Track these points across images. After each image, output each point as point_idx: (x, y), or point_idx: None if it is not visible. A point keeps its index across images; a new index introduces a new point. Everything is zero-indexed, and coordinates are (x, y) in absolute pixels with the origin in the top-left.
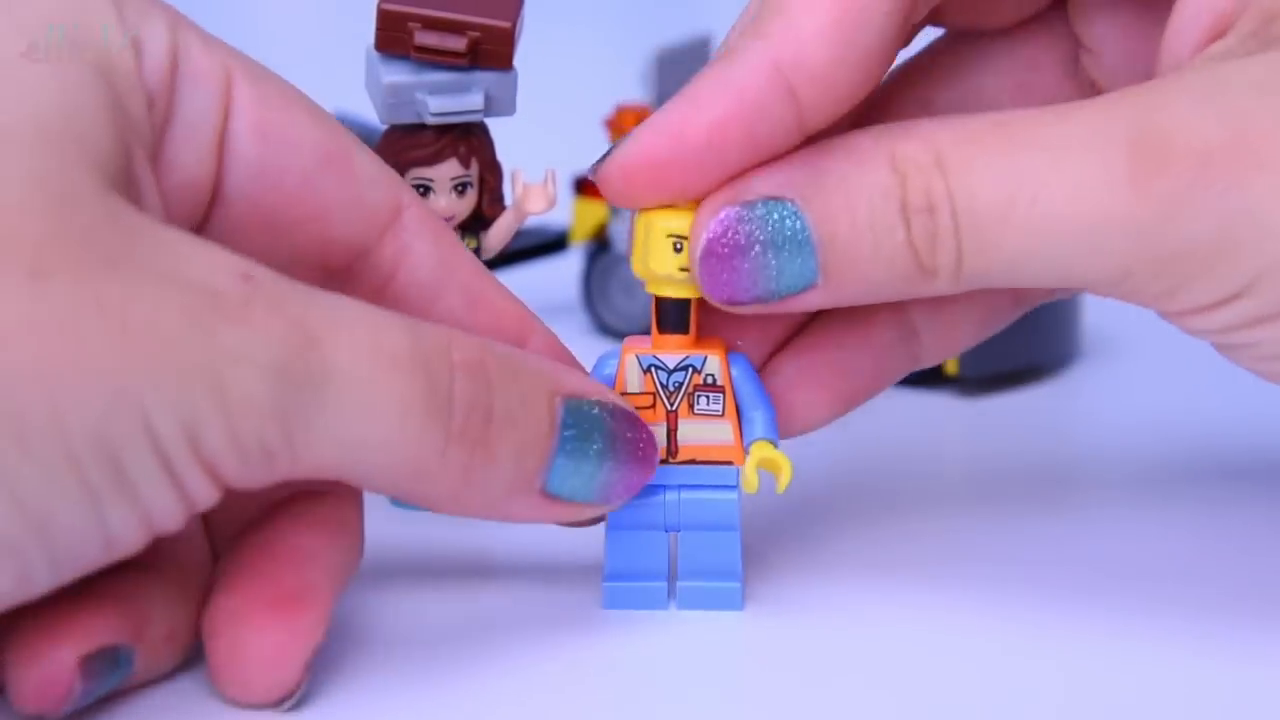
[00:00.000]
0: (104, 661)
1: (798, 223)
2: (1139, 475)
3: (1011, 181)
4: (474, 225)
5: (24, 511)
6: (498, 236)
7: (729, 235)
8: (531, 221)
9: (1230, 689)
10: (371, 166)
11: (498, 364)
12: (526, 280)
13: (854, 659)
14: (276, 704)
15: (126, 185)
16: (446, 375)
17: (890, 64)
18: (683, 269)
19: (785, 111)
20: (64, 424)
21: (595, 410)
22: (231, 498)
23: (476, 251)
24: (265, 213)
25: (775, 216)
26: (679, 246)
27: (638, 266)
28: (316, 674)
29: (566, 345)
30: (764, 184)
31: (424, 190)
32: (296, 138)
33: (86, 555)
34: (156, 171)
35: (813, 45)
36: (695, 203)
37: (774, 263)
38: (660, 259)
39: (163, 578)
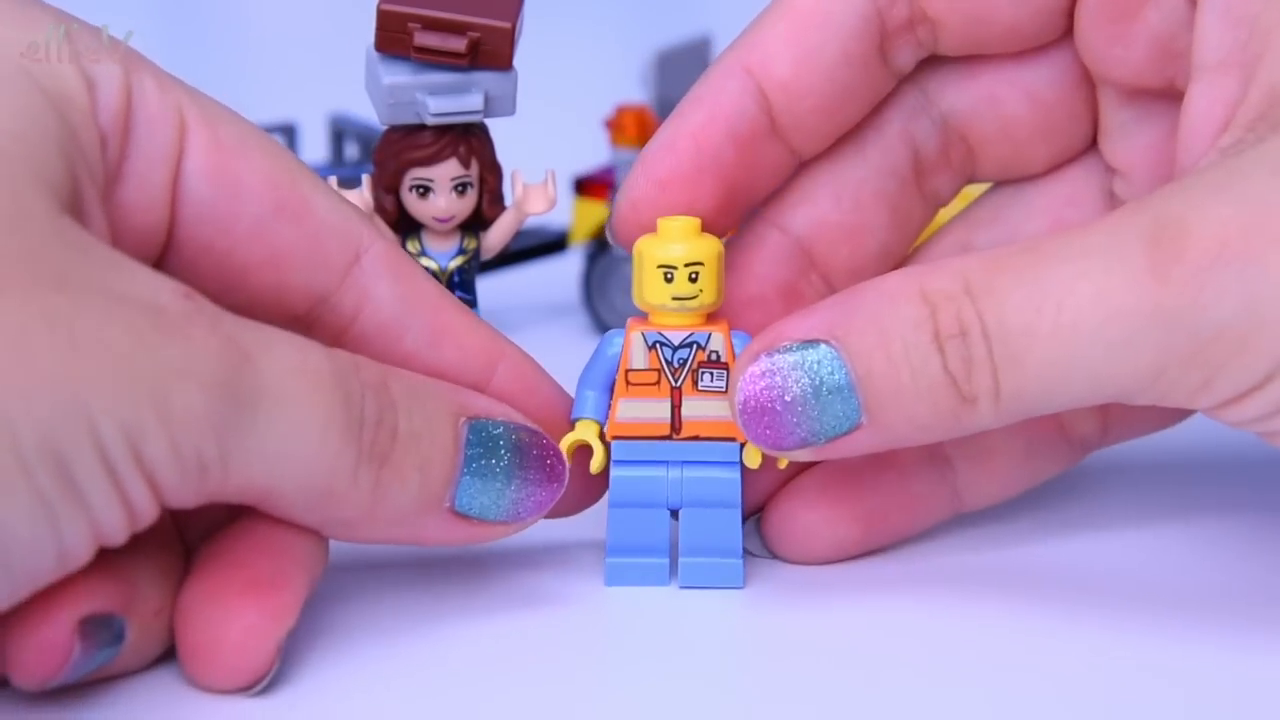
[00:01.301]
0: (101, 627)
1: (835, 363)
2: (1138, 474)
3: (1038, 295)
4: (474, 225)
5: None
6: (498, 237)
7: (765, 383)
8: (531, 221)
9: (1230, 691)
10: (330, 212)
11: (400, 386)
12: (526, 280)
13: (853, 637)
14: (246, 688)
15: (75, 210)
16: (359, 394)
17: (873, 96)
18: (675, 298)
19: (760, 112)
20: (14, 431)
21: (500, 429)
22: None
23: (476, 251)
24: (218, 257)
25: (811, 359)
26: (669, 276)
27: (636, 299)
28: (316, 651)
29: (564, 346)
30: (795, 329)
31: (424, 190)
32: (249, 184)
33: (41, 567)
34: (110, 213)
35: (775, 49)
36: (683, 230)
37: (815, 404)
38: (654, 290)
39: (149, 557)
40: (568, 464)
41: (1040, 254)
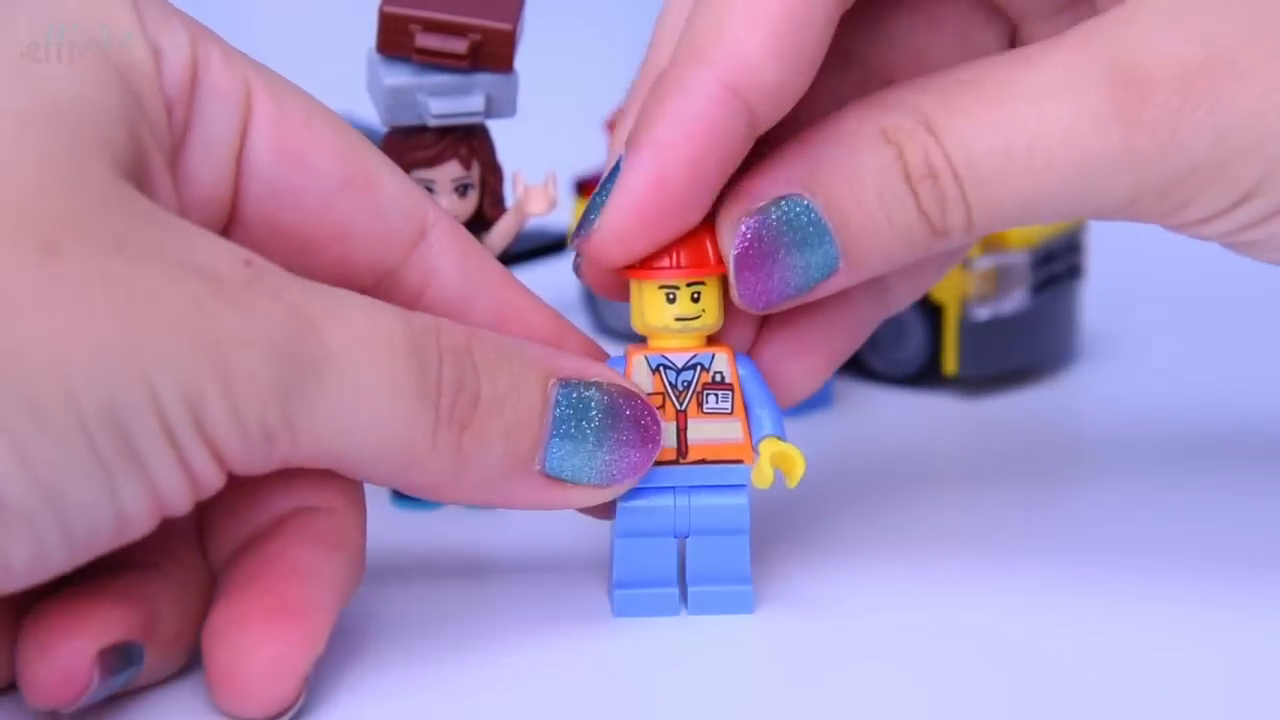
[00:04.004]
0: (119, 656)
1: (812, 214)
2: (1139, 475)
3: (1003, 136)
4: (475, 227)
5: (38, 482)
6: (499, 238)
7: (754, 243)
8: (532, 223)
9: (1229, 687)
10: (396, 187)
11: (484, 349)
12: (527, 281)
13: (864, 660)
14: (274, 718)
15: (139, 178)
16: (436, 360)
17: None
18: (678, 318)
19: (744, 127)
20: (74, 395)
21: (592, 390)
22: (231, 508)
23: None
24: (284, 232)
25: (791, 214)
26: (672, 297)
27: (636, 322)
28: (325, 684)
29: None
30: (769, 186)
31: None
32: (316, 158)
33: (100, 532)
34: (176, 184)
35: (761, 62)
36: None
37: (799, 257)
38: (656, 311)
39: (170, 579)
40: (663, 424)
41: (991, 88)
